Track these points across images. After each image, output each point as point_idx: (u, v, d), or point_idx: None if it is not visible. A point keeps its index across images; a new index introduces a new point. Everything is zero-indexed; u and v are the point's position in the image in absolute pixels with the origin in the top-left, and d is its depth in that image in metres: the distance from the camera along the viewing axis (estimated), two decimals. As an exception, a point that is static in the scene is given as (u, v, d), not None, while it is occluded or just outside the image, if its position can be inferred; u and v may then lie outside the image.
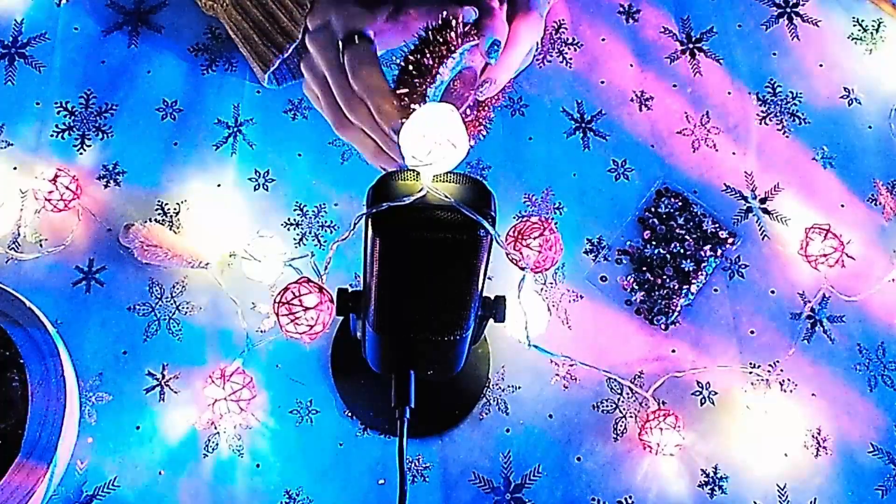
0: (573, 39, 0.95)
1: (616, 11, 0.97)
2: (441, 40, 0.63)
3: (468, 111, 0.68)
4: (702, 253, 0.85)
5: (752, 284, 0.85)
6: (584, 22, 0.96)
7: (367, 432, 0.79)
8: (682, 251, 0.85)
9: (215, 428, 0.78)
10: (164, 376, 0.80)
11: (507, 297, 0.67)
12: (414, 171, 0.55)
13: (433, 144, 0.54)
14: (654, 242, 0.86)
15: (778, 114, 0.92)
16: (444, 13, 0.64)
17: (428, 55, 0.63)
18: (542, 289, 0.84)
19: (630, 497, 0.78)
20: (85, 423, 0.78)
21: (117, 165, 0.88)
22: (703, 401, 0.81)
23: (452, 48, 0.63)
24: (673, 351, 0.83)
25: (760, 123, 0.92)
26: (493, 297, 0.67)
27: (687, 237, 0.86)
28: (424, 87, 0.63)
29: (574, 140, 0.91)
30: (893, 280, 0.85)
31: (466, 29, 0.64)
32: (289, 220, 0.86)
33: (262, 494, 0.77)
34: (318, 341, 0.76)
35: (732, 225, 0.87)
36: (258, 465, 0.78)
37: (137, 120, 0.90)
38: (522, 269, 0.64)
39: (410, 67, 0.64)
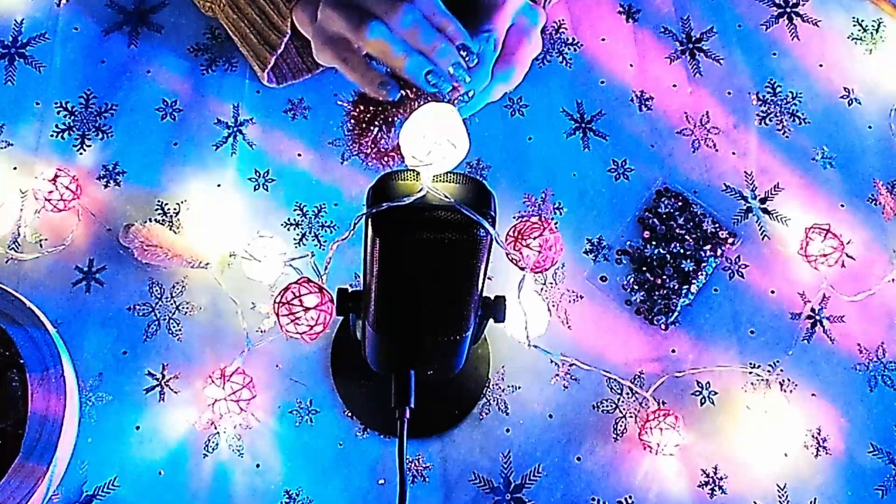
0: (573, 39, 0.95)
1: (616, 11, 0.97)
2: None
3: None
4: (702, 253, 0.85)
5: (752, 284, 0.85)
6: (584, 22, 0.96)
7: (367, 432, 0.79)
8: (682, 251, 0.85)
9: (215, 428, 0.78)
10: (164, 376, 0.80)
11: (507, 297, 0.67)
12: (414, 171, 0.55)
13: (433, 144, 0.54)
14: (654, 242, 0.86)
15: (778, 114, 0.92)
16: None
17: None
18: (542, 289, 0.84)
19: (630, 497, 0.78)
20: (85, 423, 0.78)
21: (117, 165, 0.88)
22: (703, 401, 0.81)
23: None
24: (673, 351, 0.83)
25: (760, 123, 0.92)
26: (493, 297, 0.67)
27: (687, 237, 0.86)
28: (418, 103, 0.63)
29: (574, 140, 0.91)
30: (893, 280, 0.85)
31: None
32: (289, 220, 0.86)
33: (262, 494, 0.77)
34: (318, 341, 0.76)
35: (732, 225, 0.87)
36: (258, 465, 0.78)
37: (137, 120, 0.90)
38: (522, 269, 0.64)
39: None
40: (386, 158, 0.65)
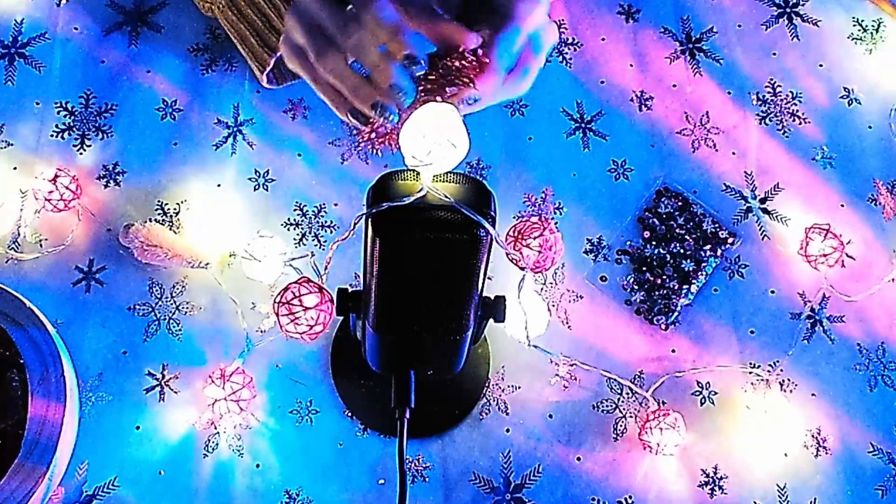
0: (573, 39, 0.95)
1: (616, 11, 0.97)
2: (444, 72, 0.64)
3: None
4: (702, 253, 0.85)
5: (752, 284, 0.85)
6: (584, 22, 0.96)
7: (367, 432, 0.79)
8: (682, 251, 0.85)
9: (215, 428, 0.78)
10: (164, 376, 0.80)
11: (507, 297, 0.67)
12: (414, 171, 0.56)
13: (433, 144, 0.54)
14: (654, 242, 0.86)
15: (778, 114, 0.92)
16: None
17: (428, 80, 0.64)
18: (542, 289, 0.84)
19: (630, 497, 0.78)
20: (85, 423, 0.78)
21: (117, 165, 0.88)
22: (703, 401, 0.81)
23: (452, 81, 0.64)
24: (673, 351, 0.83)
25: (760, 123, 0.92)
26: (493, 297, 0.67)
27: (687, 237, 0.86)
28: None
29: (574, 140, 0.91)
30: (893, 280, 0.85)
31: (458, 67, 0.64)
32: (289, 220, 0.86)
33: (262, 494, 0.77)
34: (318, 341, 0.76)
35: (732, 225, 0.87)
36: (258, 465, 0.78)
37: (137, 120, 0.90)
38: (522, 269, 0.64)
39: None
40: (388, 140, 0.66)
